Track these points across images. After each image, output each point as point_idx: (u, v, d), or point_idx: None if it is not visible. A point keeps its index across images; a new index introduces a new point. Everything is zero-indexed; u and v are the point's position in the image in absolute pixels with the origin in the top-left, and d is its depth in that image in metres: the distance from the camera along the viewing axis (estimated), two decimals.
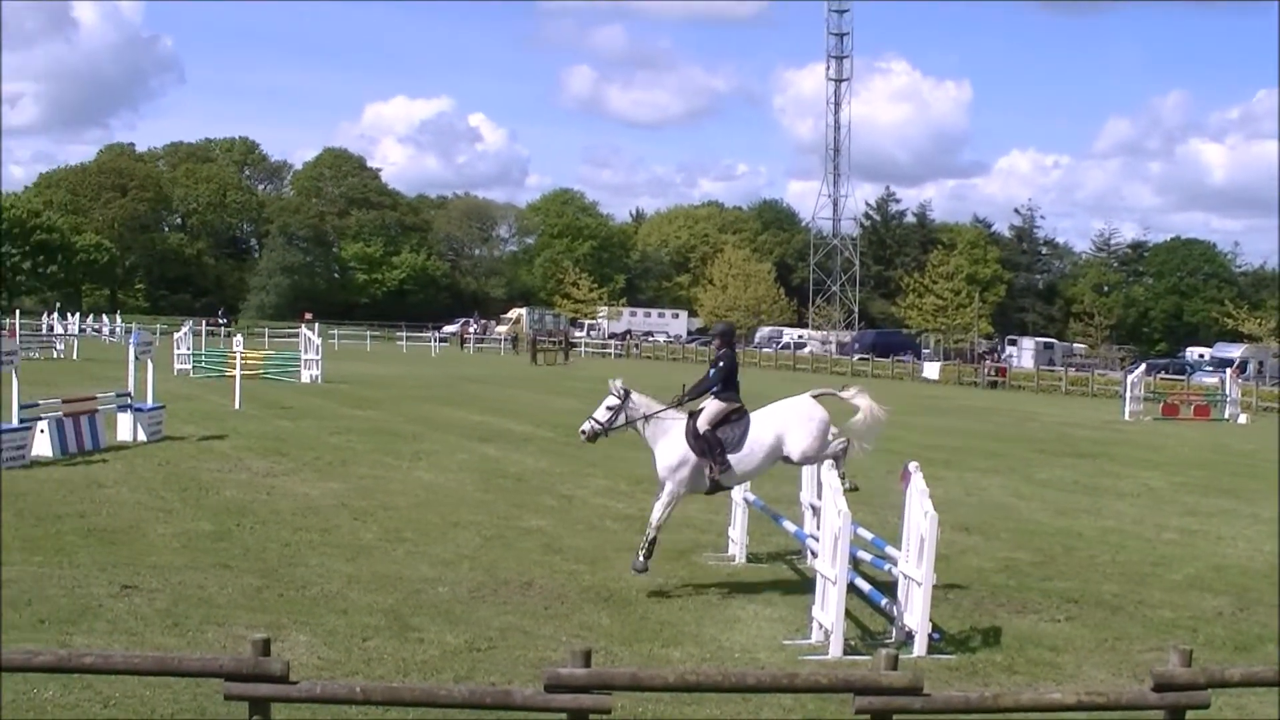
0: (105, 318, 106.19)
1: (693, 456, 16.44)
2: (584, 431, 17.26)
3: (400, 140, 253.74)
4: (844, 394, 17.35)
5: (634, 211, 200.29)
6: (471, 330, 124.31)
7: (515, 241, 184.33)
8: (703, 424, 16.46)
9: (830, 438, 16.66)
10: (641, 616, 15.27)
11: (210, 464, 27.00)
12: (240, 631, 13.73)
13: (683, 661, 13.36)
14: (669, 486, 16.69)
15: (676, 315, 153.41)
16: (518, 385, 60.03)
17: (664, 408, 16.89)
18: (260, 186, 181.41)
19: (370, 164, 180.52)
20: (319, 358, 56.42)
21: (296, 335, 68.20)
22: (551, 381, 64.40)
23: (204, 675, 8.97)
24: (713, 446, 16.36)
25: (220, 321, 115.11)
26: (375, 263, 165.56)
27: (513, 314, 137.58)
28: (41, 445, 27.22)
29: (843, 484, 15.23)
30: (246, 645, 8.68)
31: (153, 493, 22.89)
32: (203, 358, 59.93)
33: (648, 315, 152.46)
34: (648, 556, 16.60)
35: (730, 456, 16.41)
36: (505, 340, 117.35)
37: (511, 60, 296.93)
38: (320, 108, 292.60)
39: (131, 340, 33.86)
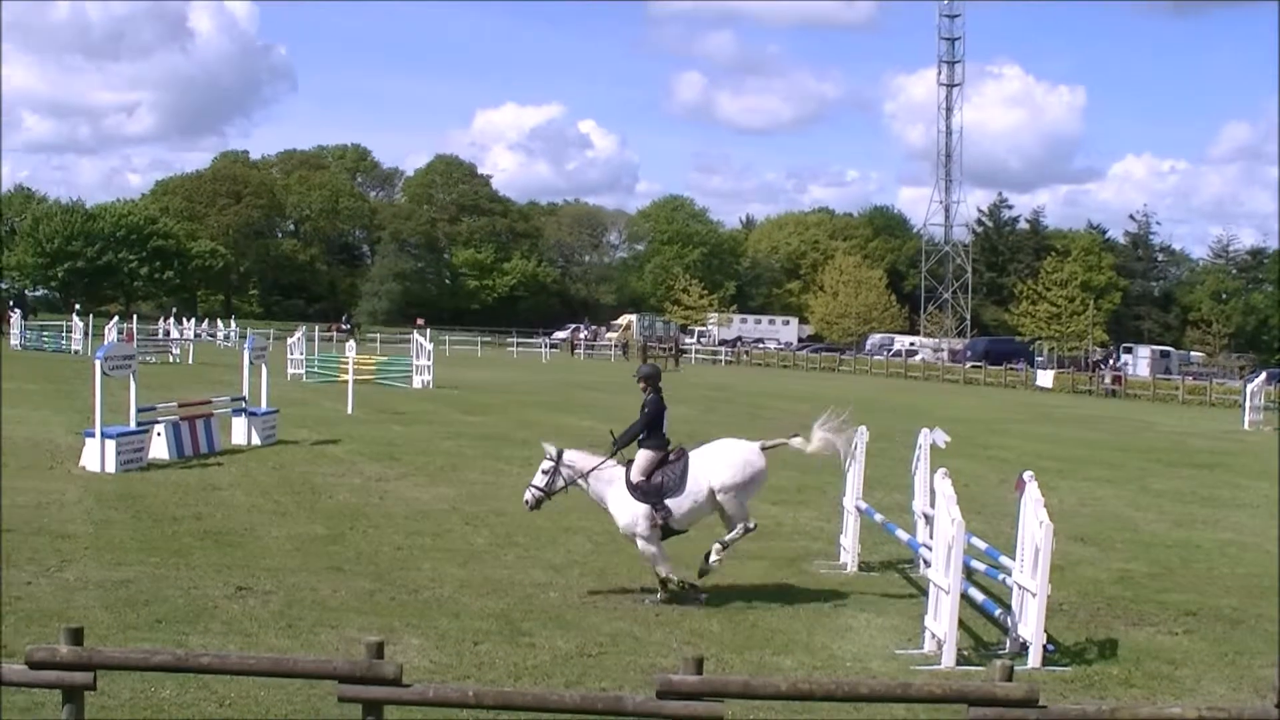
0: (220, 323, 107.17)
1: (642, 507, 16.23)
2: (527, 501, 16.84)
3: (510, 147, 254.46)
4: (793, 443, 17.12)
5: (744, 218, 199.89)
6: (582, 336, 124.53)
7: (625, 248, 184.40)
8: (635, 475, 16.30)
9: (757, 492, 16.93)
10: (753, 624, 15.21)
11: (323, 468, 27.21)
12: (353, 634, 13.82)
13: (794, 670, 13.30)
14: (639, 543, 16.45)
15: (787, 322, 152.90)
16: (628, 392, 59.71)
17: (601, 461, 16.61)
18: (372, 193, 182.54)
19: (481, 171, 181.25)
20: (430, 363, 56.71)
21: (408, 341, 68.57)
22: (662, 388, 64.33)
23: (318, 677, 9.03)
24: (648, 495, 16.17)
25: (344, 327, 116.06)
26: (486, 269, 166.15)
27: (623, 320, 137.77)
28: (158, 448, 27.56)
29: (713, 552, 16.03)
30: (360, 648, 8.73)
31: (267, 496, 23.09)
32: (315, 363, 60.44)
33: (758, 322, 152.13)
34: (698, 596, 16.39)
35: (671, 501, 16.20)
36: (615, 347, 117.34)
37: (621, 67, 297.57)
38: (431, 115, 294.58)
39: (246, 345, 34.19)
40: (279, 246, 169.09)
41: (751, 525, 16.46)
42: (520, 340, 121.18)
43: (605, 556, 18.86)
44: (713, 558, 16.33)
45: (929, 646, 14.15)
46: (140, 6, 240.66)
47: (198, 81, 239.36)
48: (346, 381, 43.58)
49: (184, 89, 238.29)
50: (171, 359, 73.13)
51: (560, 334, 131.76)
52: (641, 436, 16.64)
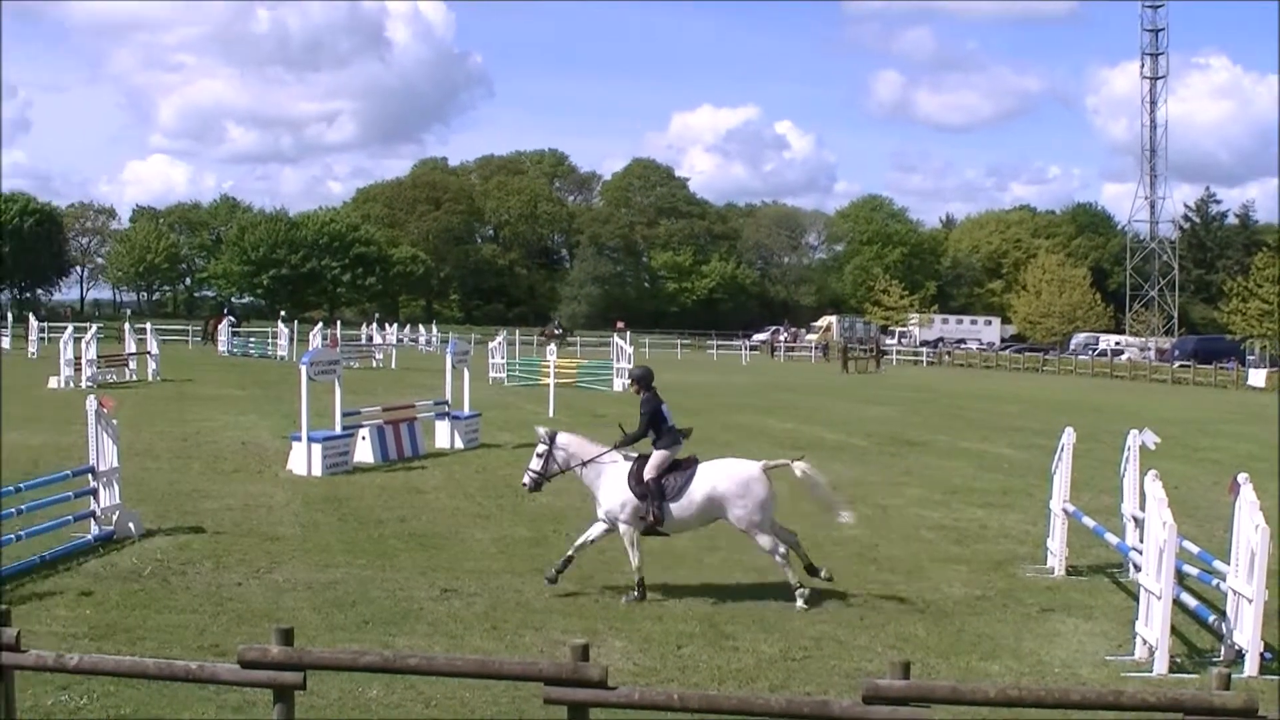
0: (421, 328, 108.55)
1: (633, 499, 16.29)
2: (524, 483, 17.00)
3: (707, 149, 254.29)
4: (795, 468, 16.96)
5: (944, 217, 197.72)
6: (782, 338, 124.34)
7: (824, 249, 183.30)
8: (649, 473, 16.30)
9: (771, 514, 16.59)
10: (959, 629, 15.03)
11: None
12: (557, 636, 13.89)
13: (1001, 676, 13.11)
14: (621, 529, 16.47)
15: (989, 322, 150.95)
16: (829, 393, 59.77)
17: (600, 452, 16.72)
18: (570, 197, 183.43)
19: (678, 173, 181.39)
20: (630, 366, 56.84)
21: (608, 344, 68.86)
22: (863, 390, 64.01)
23: (524, 679, 9.07)
24: (651, 494, 16.20)
25: (556, 331, 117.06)
26: (685, 271, 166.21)
27: (823, 321, 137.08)
28: (363, 452, 27.95)
29: (794, 588, 15.99)
30: (565, 650, 8.74)
31: (470, 499, 23.29)
32: (516, 366, 60.94)
33: (959, 322, 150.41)
34: (640, 595, 16.26)
35: (670, 505, 16.23)
36: (816, 348, 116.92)
37: (818, 66, 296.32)
38: (627, 118, 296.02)
39: (449, 350, 34.53)
40: (478, 252, 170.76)
41: (784, 551, 16.41)
42: (720, 343, 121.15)
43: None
44: (823, 575, 16.31)
45: (1140, 653, 13.86)
46: (339, 17, 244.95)
47: (396, 90, 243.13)
48: (548, 385, 43.86)
49: (383, 98, 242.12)
50: (375, 364, 74.23)
51: (760, 336, 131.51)
52: (652, 437, 16.71)
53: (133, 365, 57.27)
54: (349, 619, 14.68)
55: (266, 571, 17.08)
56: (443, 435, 31.34)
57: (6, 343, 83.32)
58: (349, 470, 26.63)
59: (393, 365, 73.10)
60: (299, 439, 26.44)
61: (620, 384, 55.23)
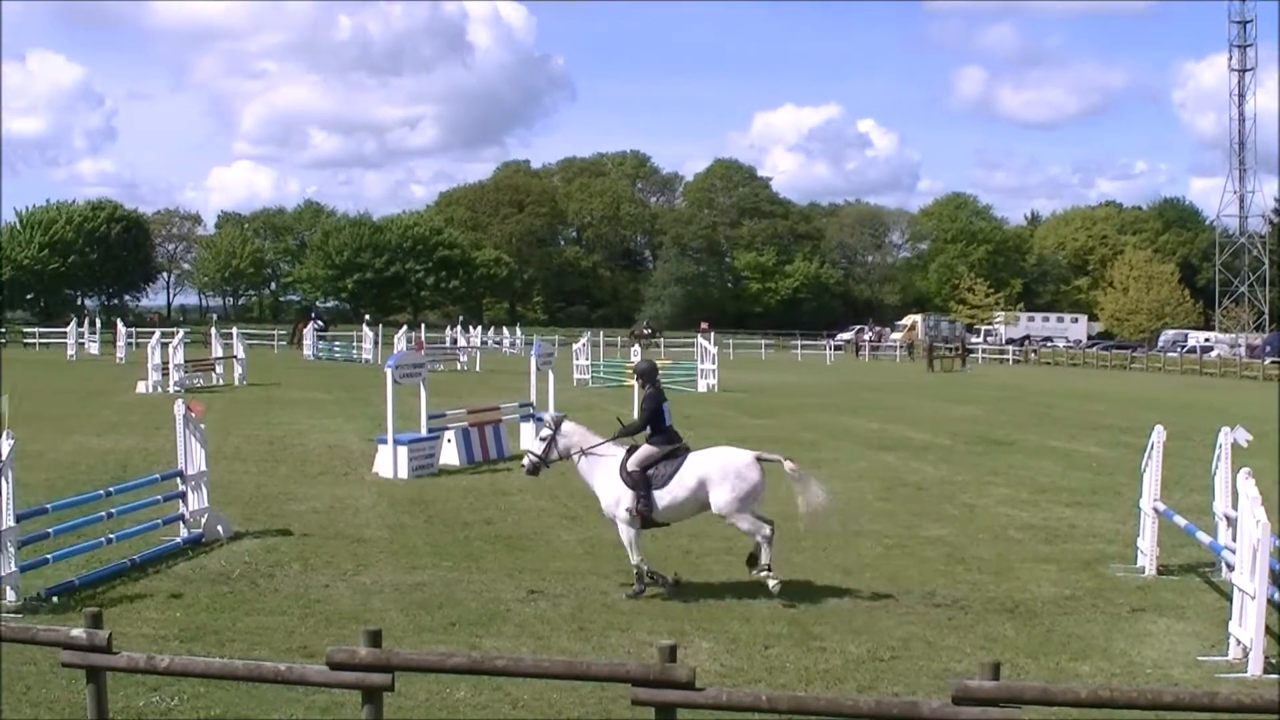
0: (505, 330, 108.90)
1: (627, 492, 16.33)
2: (524, 465, 17.20)
3: (790, 148, 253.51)
4: (787, 466, 16.61)
5: (1029, 214, 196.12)
6: (866, 338, 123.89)
7: (908, 247, 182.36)
8: (631, 465, 16.41)
9: (757, 505, 16.38)
10: (1048, 629, 14.89)
11: None
12: (644, 637, 13.88)
13: (1092, 676, 12.99)
14: (619, 525, 16.55)
15: (1075, 319, 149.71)
16: (915, 392, 59.50)
17: (600, 442, 16.82)
18: (652, 199, 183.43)
19: (760, 173, 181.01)
20: (715, 366, 56.81)
21: (692, 345, 68.82)
22: (949, 388, 63.70)
23: (611, 680, 9.05)
24: (638, 484, 16.24)
25: (645, 332, 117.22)
26: (768, 271, 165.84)
27: (908, 320, 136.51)
28: (449, 454, 28.04)
29: (765, 578, 15.83)
30: (652, 651, 8.73)
31: (556, 500, 23.29)
32: (600, 368, 60.99)
33: (1045, 320, 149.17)
34: (640, 589, 16.35)
35: (656, 493, 16.23)
36: (901, 347, 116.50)
37: (900, 64, 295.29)
38: (709, 119, 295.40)
39: (533, 351, 34.57)
40: (561, 254, 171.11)
41: (767, 532, 16.15)
42: (804, 343, 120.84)
43: (895, 560, 18.66)
44: (772, 585, 15.95)
45: (1234, 654, 13.69)
46: (420, 23, 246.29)
47: (478, 94, 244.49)
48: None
49: (465, 101, 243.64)
50: (459, 366, 74.47)
51: (844, 335, 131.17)
52: (649, 433, 16.77)
53: (219, 370, 57.72)
54: (436, 620, 14.73)
55: (353, 574, 17.16)
56: (527, 437, 31.33)
57: (95, 349, 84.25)
58: (434, 472, 26.71)
59: (477, 368, 73.30)
60: (384, 442, 26.56)
61: (705, 385, 55.24)
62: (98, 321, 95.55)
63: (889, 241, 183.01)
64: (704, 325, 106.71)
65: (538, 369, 33.32)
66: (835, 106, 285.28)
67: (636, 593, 16.22)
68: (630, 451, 16.63)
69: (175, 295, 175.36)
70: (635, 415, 17.64)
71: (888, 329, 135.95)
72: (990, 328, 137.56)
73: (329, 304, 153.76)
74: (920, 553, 19.16)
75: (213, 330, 69.27)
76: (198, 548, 18.74)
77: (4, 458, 15.14)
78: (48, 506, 17.09)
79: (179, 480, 19.36)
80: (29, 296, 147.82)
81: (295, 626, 14.37)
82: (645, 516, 16.36)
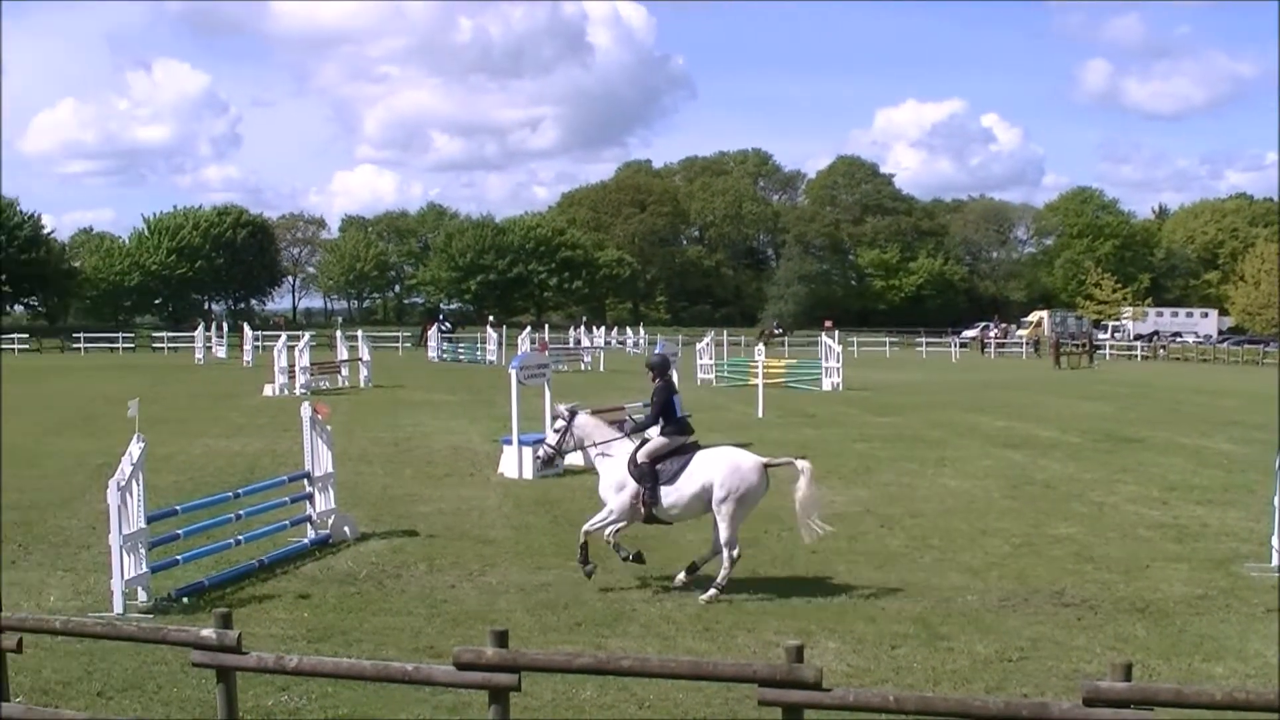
0: (628, 330, 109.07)
1: (633, 483, 16.48)
2: (539, 456, 17.61)
3: (912, 144, 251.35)
4: (798, 464, 16.81)
5: (1156, 207, 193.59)
6: (992, 334, 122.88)
7: (1034, 243, 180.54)
8: (641, 456, 16.53)
9: (750, 512, 16.69)
10: (1180, 629, 14.66)
11: None
12: (770, 637, 13.83)
13: (1226, 678, 12.78)
14: (608, 504, 16.73)
15: (1205, 314, 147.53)
16: (1041, 389, 58.89)
17: (614, 437, 17.05)
18: (774, 197, 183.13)
19: (883, 170, 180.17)
20: (840, 365, 56.53)
21: (816, 343, 68.58)
22: (1076, 385, 63.01)
23: (738, 680, 9.00)
24: (644, 477, 16.37)
25: (775, 331, 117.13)
26: (892, 269, 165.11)
27: (1033, 317, 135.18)
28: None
29: (712, 594, 15.83)
30: (778, 651, 8.68)
31: None
32: (725, 367, 60.92)
33: (1174, 315, 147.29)
34: (583, 560, 16.52)
35: (663, 488, 16.35)
36: (1027, 344, 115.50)
37: (1023, 57, 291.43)
38: (831, 116, 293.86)
39: (656, 351, 34.53)
40: (684, 253, 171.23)
41: (735, 555, 16.26)
42: (928, 340, 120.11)
43: (1024, 559, 18.46)
44: (706, 598, 15.88)
45: None
46: (540, 24, 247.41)
47: (598, 94, 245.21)
48: (756, 385, 43.76)
49: (585, 102, 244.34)
50: (583, 367, 74.66)
51: (969, 332, 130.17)
52: (661, 425, 16.86)
53: (345, 372, 58.29)
54: (561, 620, 14.76)
55: (479, 574, 17.23)
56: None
57: (222, 352, 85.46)
58: (559, 473, 26.76)
59: (601, 368, 73.45)
60: (509, 442, 26.68)
61: (829, 383, 55.00)
62: (225, 325, 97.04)
63: (1014, 237, 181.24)
64: (828, 323, 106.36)
65: None
66: (958, 101, 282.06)
67: (588, 570, 16.47)
68: (642, 444, 16.77)
69: (300, 299, 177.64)
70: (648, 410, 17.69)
71: (1013, 325, 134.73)
72: (1118, 323, 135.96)
73: (452, 306, 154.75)
74: (1048, 552, 18.95)
75: (338, 333, 70.00)
76: (325, 549, 18.91)
77: (135, 461, 15.35)
78: (177, 508, 17.33)
79: (306, 482, 19.55)
80: (157, 301, 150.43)
81: (422, 627, 14.45)
82: (649, 511, 16.51)
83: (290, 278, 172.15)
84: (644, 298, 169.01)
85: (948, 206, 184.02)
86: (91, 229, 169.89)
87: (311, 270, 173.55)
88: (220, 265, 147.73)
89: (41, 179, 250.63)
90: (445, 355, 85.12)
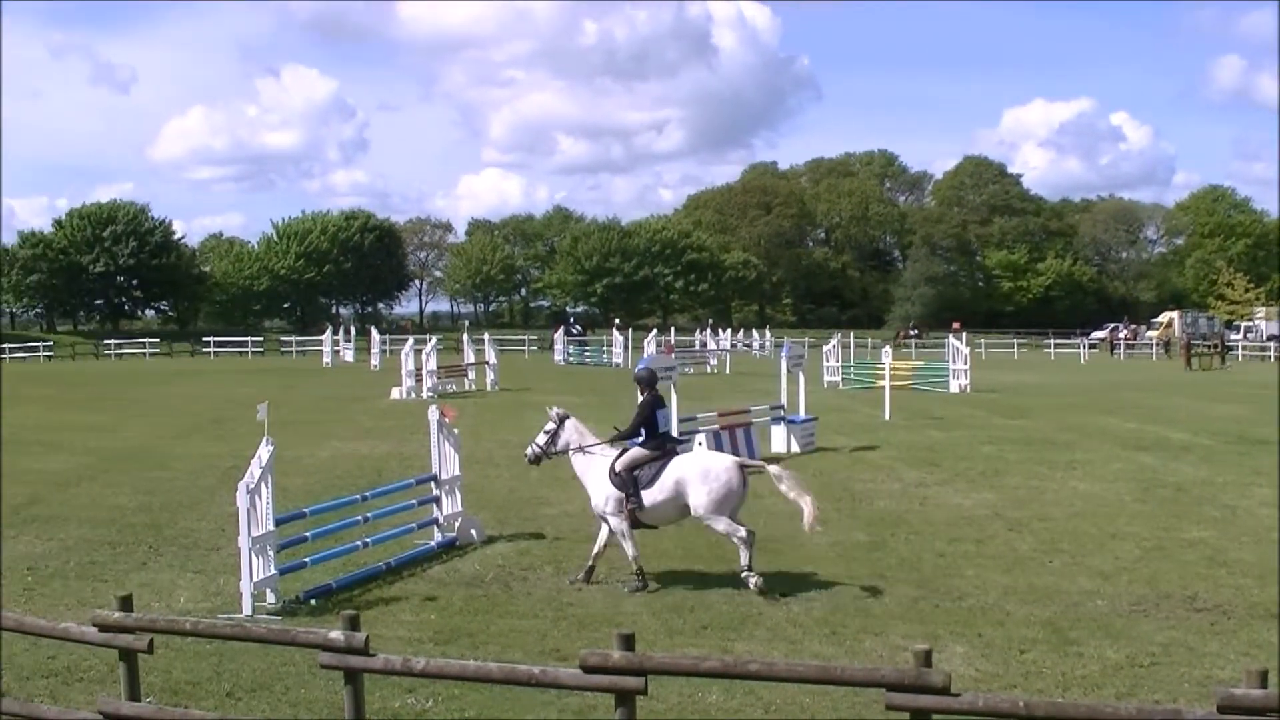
0: (754, 332, 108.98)
1: (614, 491, 17.00)
2: (527, 455, 18.08)
3: (1040, 144, 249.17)
4: (771, 470, 17.35)
5: None
6: (1121, 336, 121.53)
7: (1164, 243, 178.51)
8: (620, 465, 17.08)
9: (733, 509, 16.88)
10: None
11: (863, 474, 27.22)
12: (897, 641, 13.75)
13: None
14: (610, 520, 17.14)
15: None
16: (1172, 391, 58.10)
17: (596, 443, 17.63)
18: (901, 198, 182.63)
19: (1010, 170, 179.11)
20: (967, 367, 56.09)
21: (943, 345, 68.14)
22: (1208, 387, 62.14)
23: (865, 685, 8.93)
24: (625, 484, 16.93)
25: (912, 333, 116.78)
26: (1020, 270, 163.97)
27: (1164, 318, 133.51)
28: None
29: (746, 577, 16.37)
30: (906, 655, 8.61)
31: None
32: (851, 369, 60.67)
33: None
34: (641, 584, 16.80)
35: (644, 493, 16.85)
36: (1157, 345, 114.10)
37: (1154, 54, 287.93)
38: (957, 116, 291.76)
39: (783, 353, 34.45)
40: (810, 255, 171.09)
41: (743, 534, 16.68)
42: (1057, 341, 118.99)
43: (1155, 563, 18.20)
44: (752, 583, 16.37)
45: None
46: (665, 27, 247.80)
47: (724, 96, 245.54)
48: (883, 387, 43.53)
49: (711, 104, 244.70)
50: (709, 369, 74.66)
51: (1098, 334, 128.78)
52: (643, 437, 17.35)
53: (471, 375, 58.67)
54: (687, 624, 14.75)
55: (605, 577, 17.24)
56: (778, 440, 31.32)
57: (350, 355, 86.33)
58: None
59: (726, 370, 73.42)
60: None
61: (956, 385, 54.60)
62: (352, 329, 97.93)
63: (1144, 237, 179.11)
64: (956, 325, 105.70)
65: (788, 371, 33.24)
66: (1087, 100, 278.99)
67: (638, 588, 16.66)
68: (622, 454, 17.22)
69: (427, 302, 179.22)
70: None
71: (1143, 326, 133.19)
72: (1251, 324, 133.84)
73: (578, 309, 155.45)
74: (1180, 556, 18.69)
75: (464, 336, 70.43)
76: (452, 551, 19.04)
77: (264, 464, 15.51)
78: (306, 511, 17.52)
79: (433, 485, 19.68)
80: (285, 305, 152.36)
81: (548, 629, 14.49)
82: (633, 516, 16.92)
83: (417, 281, 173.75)
84: (770, 300, 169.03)
85: (1076, 206, 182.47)
86: (221, 234, 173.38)
87: (438, 274, 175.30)
88: (348, 269, 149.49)
89: (172, 185, 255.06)
90: (571, 358, 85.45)
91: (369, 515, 18.33)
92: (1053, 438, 34.64)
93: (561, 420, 17.76)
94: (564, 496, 23.90)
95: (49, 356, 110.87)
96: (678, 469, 16.86)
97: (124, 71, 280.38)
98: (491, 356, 60.30)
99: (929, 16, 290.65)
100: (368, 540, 17.91)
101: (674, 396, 27.65)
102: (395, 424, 38.23)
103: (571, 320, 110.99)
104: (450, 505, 19.76)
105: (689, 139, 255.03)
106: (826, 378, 58.45)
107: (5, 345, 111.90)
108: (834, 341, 63.88)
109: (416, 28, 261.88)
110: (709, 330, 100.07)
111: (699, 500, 16.59)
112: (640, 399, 17.69)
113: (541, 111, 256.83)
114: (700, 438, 28.32)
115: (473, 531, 19.70)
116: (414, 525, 19.28)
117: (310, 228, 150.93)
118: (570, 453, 17.64)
